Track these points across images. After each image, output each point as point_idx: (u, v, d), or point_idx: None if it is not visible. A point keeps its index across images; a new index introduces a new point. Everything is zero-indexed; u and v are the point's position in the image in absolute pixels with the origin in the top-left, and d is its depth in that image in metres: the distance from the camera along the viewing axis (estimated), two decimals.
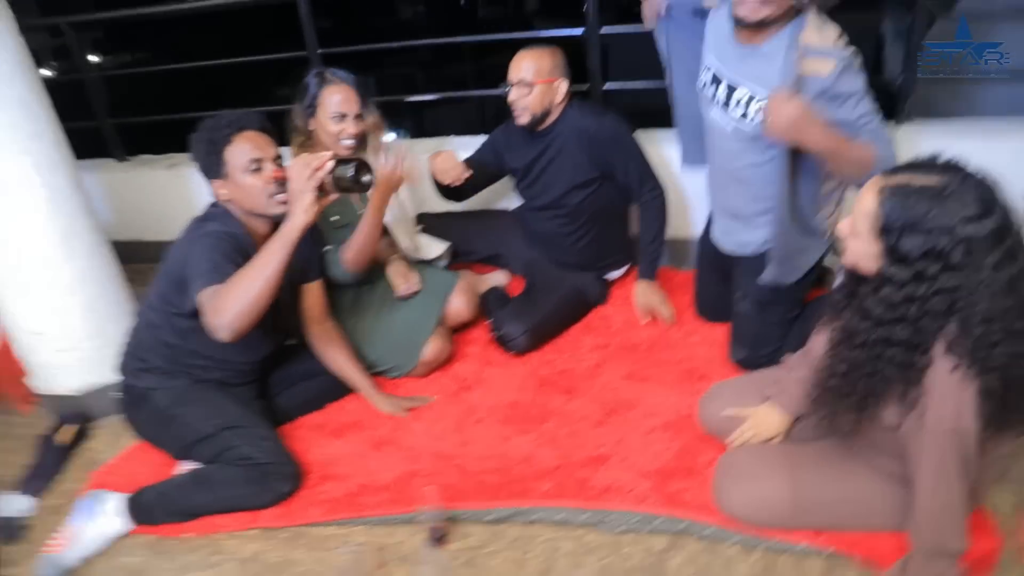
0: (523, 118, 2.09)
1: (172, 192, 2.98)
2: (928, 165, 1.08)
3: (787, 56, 1.58)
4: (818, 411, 1.27)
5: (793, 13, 1.60)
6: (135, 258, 3.10)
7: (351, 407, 1.98)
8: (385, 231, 2.10)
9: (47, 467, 1.92)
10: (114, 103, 3.21)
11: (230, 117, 1.68)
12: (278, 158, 1.69)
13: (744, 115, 1.72)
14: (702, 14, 1.85)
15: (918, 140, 2.32)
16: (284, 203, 1.58)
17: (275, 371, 1.96)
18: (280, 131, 1.93)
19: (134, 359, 1.79)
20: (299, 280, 1.88)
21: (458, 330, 2.25)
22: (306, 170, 1.50)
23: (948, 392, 1.05)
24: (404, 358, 2.06)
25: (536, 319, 2.12)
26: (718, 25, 1.78)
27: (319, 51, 2.75)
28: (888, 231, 1.08)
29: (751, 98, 1.69)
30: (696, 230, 2.30)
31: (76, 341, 2.01)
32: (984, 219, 1.02)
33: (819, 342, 1.36)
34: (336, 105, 1.97)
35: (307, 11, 2.65)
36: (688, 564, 1.43)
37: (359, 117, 2.01)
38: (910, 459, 1.14)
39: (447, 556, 1.50)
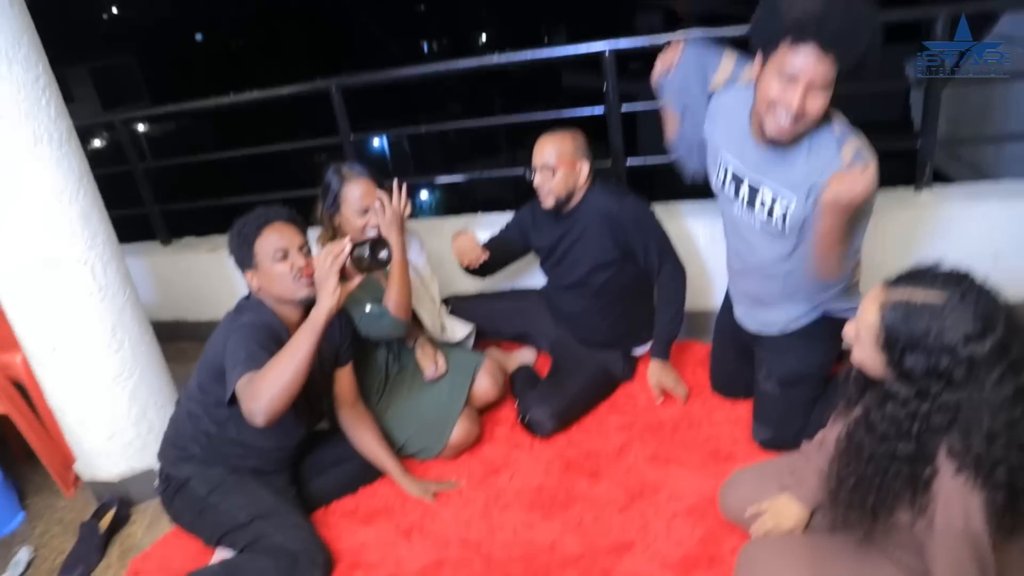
0: (548, 201, 2.15)
1: (214, 274, 3.12)
2: (930, 276, 1.10)
3: (812, 154, 1.56)
4: (832, 513, 1.27)
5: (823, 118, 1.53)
6: (177, 337, 3.24)
7: (382, 491, 2.02)
8: (413, 317, 2.17)
9: (88, 553, 1.98)
10: (157, 183, 3.39)
11: (259, 212, 1.80)
12: (303, 246, 1.79)
13: (770, 214, 1.68)
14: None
15: (938, 206, 2.35)
16: (310, 285, 1.67)
17: (308, 457, 2.01)
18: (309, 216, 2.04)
19: (173, 447, 1.87)
20: (331, 366, 1.95)
21: (486, 409, 2.29)
22: (328, 258, 1.60)
23: (954, 497, 1.05)
24: (432, 440, 2.10)
25: (563, 403, 2.15)
26: (732, 117, 1.71)
27: (351, 137, 2.89)
28: (891, 347, 1.10)
29: (774, 199, 1.65)
30: (717, 302, 2.33)
31: (119, 429, 2.09)
32: (985, 337, 1.03)
33: (833, 433, 1.37)
34: (359, 199, 2.05)
35: (340, 101, 2.80)
36: None
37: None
38: (927, 560, 1.14)
39: None
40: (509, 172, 2.80)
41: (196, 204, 3.34)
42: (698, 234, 2.50)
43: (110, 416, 2.07)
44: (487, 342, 2.55)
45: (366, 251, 1.63)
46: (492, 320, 2.47)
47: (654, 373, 2.20)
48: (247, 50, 23.83)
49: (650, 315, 2.25)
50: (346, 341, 1.97)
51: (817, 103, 1.46)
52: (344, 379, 1.99)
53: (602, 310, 2.27)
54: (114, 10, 22.95)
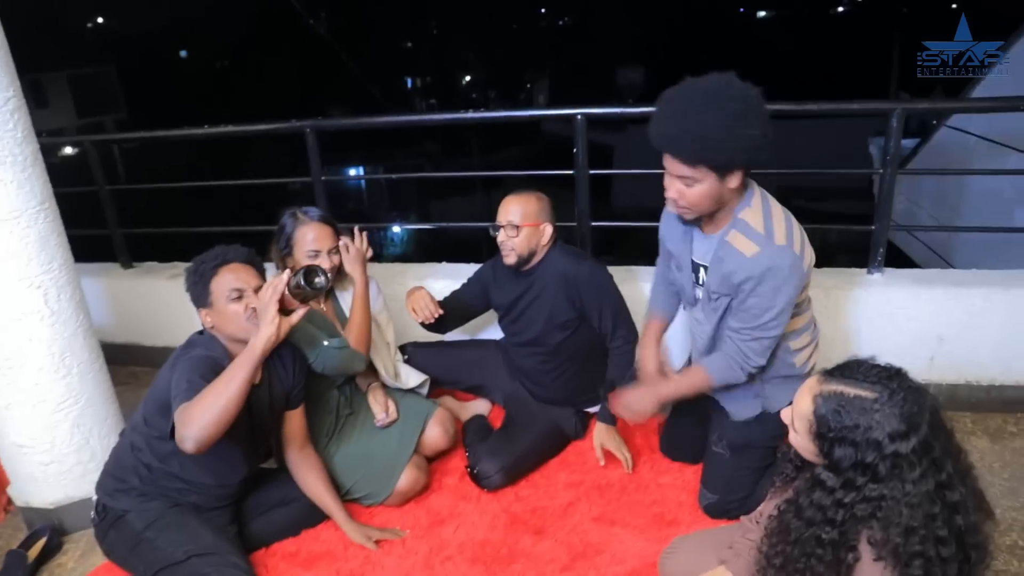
0: (510, 259, 2.20)
1: (173, 301, 3.08)
2: (864, 371, 1.15)
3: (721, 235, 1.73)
4: None
5: (739, 197, 1.70)
6: (131, 360, 3.19)
7: (325, 535, 1.99)
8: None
9: None
10: (124, 202, 3.35)
11: (217, 251, 1.82)
12: (260, 288, 1.78)
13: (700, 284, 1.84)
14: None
15: (887, 288, 2.45)
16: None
17: (251, 495, 1.99)
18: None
19: (112, 478, 1.83)
20: (282, 407, 1.94)
21: (436, 458, 2.28)
22: (268, 289, 1.64)
23: None
24: (379, 486, 2.09)
25: (512, 457, 2.16)
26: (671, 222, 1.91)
27: (323, 177, 2.92)
28: (821, 437, 1.15)
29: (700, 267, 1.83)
30: (675, 366, 2.37)
31: (60, 455, 2.04)
32: (909, 436, 1.08)
33: (769, 508, 1.41)
34: (311, 243, 2.10)
35: (314, 143, 2.84)
36: None
37: (333, 251, 2.13)
38: None
39: None
40: (477, 225, 2.83)
41: (160, 230, 3.32)
42: None
43: (51, 442, 2.02)
44: (442, 390, 2.56)
45: (300, 279, 1.65)
46: (449, 370, 2.48)
47: (598, 436, 2.22)
48: (231, 72, 23.89)
49: (604, 375, 2.28)
50: (299, 384, 1.95)
51: (682, 189, 1.66)
52: (295, 420, 1.98)
53: (557, 368, 2.30)
54: (99, 19, 22.92)
